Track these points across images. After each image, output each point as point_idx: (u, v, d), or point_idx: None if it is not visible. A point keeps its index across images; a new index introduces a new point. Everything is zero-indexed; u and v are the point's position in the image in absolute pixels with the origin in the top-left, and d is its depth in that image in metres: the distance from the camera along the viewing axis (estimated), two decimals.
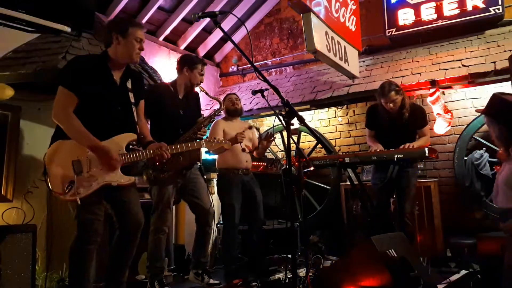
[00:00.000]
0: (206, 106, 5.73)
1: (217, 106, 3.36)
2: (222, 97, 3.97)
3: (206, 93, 3.27)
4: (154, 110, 3.03)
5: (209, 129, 3.73)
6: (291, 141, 2.42)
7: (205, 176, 3.47)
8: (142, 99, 2.64)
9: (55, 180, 2.26)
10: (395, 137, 3.52)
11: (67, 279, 3.21)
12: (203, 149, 3.86)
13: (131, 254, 2.49)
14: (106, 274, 2.50)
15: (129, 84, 2.51)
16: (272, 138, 3.78)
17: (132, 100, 2.50)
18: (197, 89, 3.33)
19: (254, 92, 3.27)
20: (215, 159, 3.96)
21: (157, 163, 2.79)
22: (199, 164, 3.37)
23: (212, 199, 3.58)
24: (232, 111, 3.84)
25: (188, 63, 3.24)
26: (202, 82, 3.29)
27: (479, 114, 4.25)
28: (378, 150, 3.45)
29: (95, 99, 2.33)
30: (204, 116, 3.41)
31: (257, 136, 4.06)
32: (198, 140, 3.00)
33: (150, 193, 3.17)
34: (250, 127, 3.92)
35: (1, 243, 2.69)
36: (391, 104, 3.47)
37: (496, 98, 2.47)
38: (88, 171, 2.28)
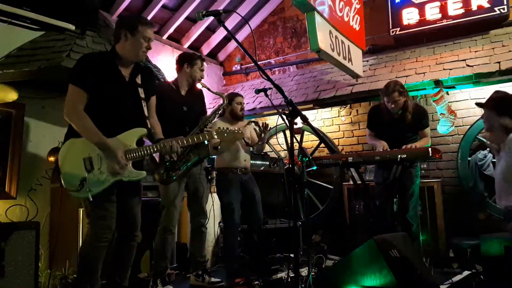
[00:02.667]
0: (210, 104, 5.72)
1: (221, 102, 3.34)
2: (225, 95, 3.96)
3: (208, 89, 3.26)
4: (158, 108, 3.03)
5: None
6: (294, 140, 2.41)
7: (210, 176, 3.47)
8: (153, 94, 2.61)
9: (67, 178, 2.28)
10: (397, 137, 3.52)
11: (70, 276, 3.22)
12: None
13: (130, 256, 2.48)
14: (107, 276, 2.48)
15: (138, 80, 2.49)
16: (267, 127, 3.72)
17: (142, 96, 2.48)
18: (198, 85, 3.33)
19: (258, 91, 3.27)
20: (214, 158, 3.95)
21: (166, 159, 2.78)
22: (207, 164, 3.36)
23: (213, 198, 3.59)
24: (239, 116, 3.80)
25: (188, 59, 3.26)
26: (203, 78, 3.30)
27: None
28: (383, 149, 3.44)
29: (104, 95, 2.34)
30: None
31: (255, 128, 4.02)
32: (208, 131, 2.87)
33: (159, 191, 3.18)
34: (249, 123, 3.89)
35: (5, 240, 2.69)
36: (392, 104, 3.48)
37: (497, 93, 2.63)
38: (99, 168, 2.29)
